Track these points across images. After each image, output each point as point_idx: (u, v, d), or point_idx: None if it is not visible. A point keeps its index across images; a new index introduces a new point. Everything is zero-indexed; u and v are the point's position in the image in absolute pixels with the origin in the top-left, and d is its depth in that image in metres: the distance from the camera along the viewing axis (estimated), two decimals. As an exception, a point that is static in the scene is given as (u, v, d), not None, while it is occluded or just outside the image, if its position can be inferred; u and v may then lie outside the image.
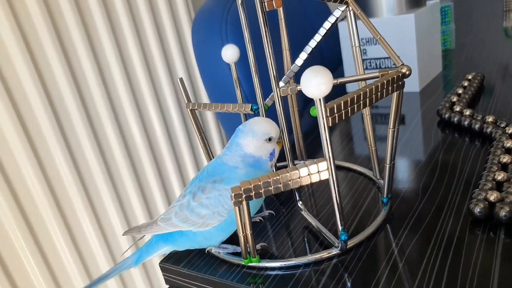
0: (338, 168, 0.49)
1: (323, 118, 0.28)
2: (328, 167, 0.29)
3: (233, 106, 0.41)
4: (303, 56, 0.40)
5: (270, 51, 0.34)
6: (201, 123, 0.46)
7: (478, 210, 0.33)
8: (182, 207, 0.36)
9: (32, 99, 0.65)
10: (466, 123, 0.50)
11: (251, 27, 0.38)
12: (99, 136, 0.75)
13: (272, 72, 0.35)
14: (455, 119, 0.51)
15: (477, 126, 0.48)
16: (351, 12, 0.38)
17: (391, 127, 0.35)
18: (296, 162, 0.49)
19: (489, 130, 0.47)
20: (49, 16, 0.65)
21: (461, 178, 0.41)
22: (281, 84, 0.41)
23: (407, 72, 0.33)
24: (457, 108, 0.52)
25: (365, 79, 0.35)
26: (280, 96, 0.36)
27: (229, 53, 0.45)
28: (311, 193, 0.46)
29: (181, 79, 0.45)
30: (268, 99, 0.42)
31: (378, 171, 0.43)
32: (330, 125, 0.28)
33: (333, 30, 0.97)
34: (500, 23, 1.10)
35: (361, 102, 0.30)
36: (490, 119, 0.48)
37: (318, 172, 0.29)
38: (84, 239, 0.73)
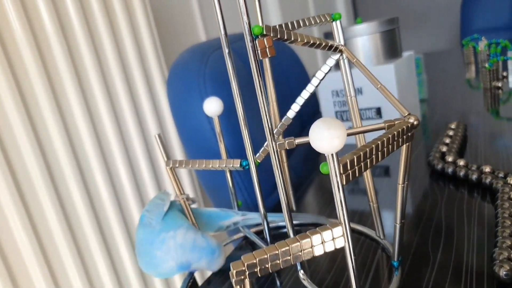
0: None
1: (336, 176, 0.24)
2: (343, 233, 0.25)
3: (220, 162, 0.37)
4: (295, 108, 0.37)
5: (263, 101, 0.31)
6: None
7: (504, 272, 0.30)
8: None
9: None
10: (461, 174, 0.48)
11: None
12: (63, 197, 0.68)
13: (266, 123, 0.31)
14: (449, 170, 0.49)
15: (474, 176, 0.46)
16: (345, 60, 0.36)
17: (400, 182, 0.32)
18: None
19: (488, 180, 0.44)
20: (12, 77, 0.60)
21: (471, 236, 0.38)
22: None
23: (415, 122, 0.31)
24: (450, 159, 0.50)
25: (371, 130, 0.32)
26: (277, 150, 0.32)
27: (213, 106, 0.42)
28: (309, 260, 0.41)
29: (159, 135, 0.41)
30: (259, 153, 0.38)
31: (382, 230, 0.39)
32: (345, 183, 0.25)
33: (306, 81, 0.97)
34: (462, 75, 1.15)
35: (373, 156, 0.27)
36: (487, 169, 0.46)
37: (332, 239, 0.25)
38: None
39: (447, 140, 0.57)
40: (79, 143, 0.70)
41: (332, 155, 0.24)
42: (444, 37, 2.27)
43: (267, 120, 0.31)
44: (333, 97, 0.70)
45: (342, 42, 0.36)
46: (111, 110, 0.72)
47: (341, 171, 0.24)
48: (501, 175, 0.45)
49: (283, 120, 0.37)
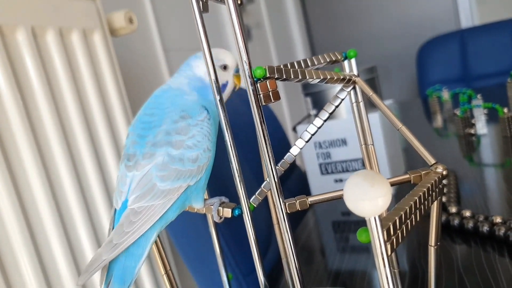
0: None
1: (381, 245, 0.19)
2: (394, 320, 0.20)
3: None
4: (300, 143, 0.31)
5: (268, 152, 0.26)
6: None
7: None
8: (164, 165, 0.29)
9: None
10: (470, 226, 0.44)
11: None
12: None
13: (273, 176, 0.26)
14: (455, 222, 0.45)
15: (485, 228, 0.42)
16: (359, 94, 0.32)
17: (433, 243, 0.27)
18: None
19: (502, 232, 0.41)
20: None
21: (504, 299, 0.33)
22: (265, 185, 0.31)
23: (444, 172, 0.27)
24: (453, 210, 0.47)
25: (397, 183, 0.27)
26: (286, 212, 0.26)
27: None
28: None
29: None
30: (255, 196, 0.31)
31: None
32: (390, 253, 0.20)
33: (282, 135, 0.93)
34: (428, 124, 1.16)
35: (413, 216, 0.22)
36: (498, 219, 0.42)
37: (381, 329, 0.19)
38: None
39: (444, 190, 0.54)
40: (38, 223, 0.61)
41: (375, 218, 0.19)
42: (401, 89, 2.37)
43: (272, 169, 0.26)
44: (316, 149, 0.66)
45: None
46: (75, 181, 0.63)
47: (385, 238, 0.19)
48: (514, 225, 0.41)
49: (285, 157, 0.31)
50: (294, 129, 0.71)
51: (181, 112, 0.31)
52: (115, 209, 0.30)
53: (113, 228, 0.30)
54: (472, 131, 0.88)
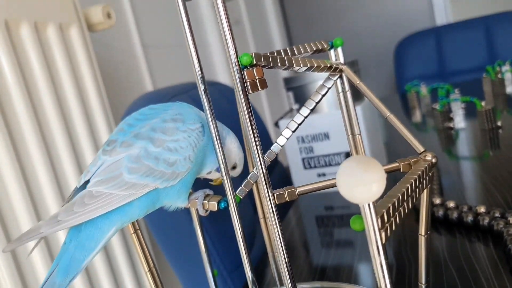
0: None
1: (375, 233, 0.18)
2: (389, 309, 0.19)
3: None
4: (286, 134, 0.30)
5: (256, 143, 0.25)
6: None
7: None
8: (137, 158, 0.27)
9: None
10: (454, 216, 0.44)
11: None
12: None
13: (260, 166, 0.25)
14: (440, 213, 0.45)
15: (469, 218, 0.43)
16: (346, 83, 0.31)
17: (423, 232, 0.27)
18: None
19: (486, 222, 0.41)
20: None
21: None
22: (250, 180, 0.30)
23: (434, 160, 0.26)
24: (437, 201, 0.47)
25: (385, 172, 0.27)
26: (275, 204, 0.26)
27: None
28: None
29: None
30: (241, 187, 0.30)
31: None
32: (384, 241, 0.19)
33: (262, 130, 0.93)
34: (406, 119, 1.17)
35: (405, 203, 0.22)
36: (482, 209, 0.42)
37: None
38: None
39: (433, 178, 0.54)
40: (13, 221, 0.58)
41: (369, 205, 0.18)
42: (379, 85, 2.39)
43: (261, 166, 0.25)
44: (299, 143, 0.66)
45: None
46: (53, 178, 0.61)
47: (380, 226, 0.19)
48: (497, 214, 0.41)
49: (272, 148, 0.31)
50: (276, 124, 0.71)
51: (176, 114, 0.30)
52: (76, 187, 0.29)
53: None
54: (451, 125, 0.89)
